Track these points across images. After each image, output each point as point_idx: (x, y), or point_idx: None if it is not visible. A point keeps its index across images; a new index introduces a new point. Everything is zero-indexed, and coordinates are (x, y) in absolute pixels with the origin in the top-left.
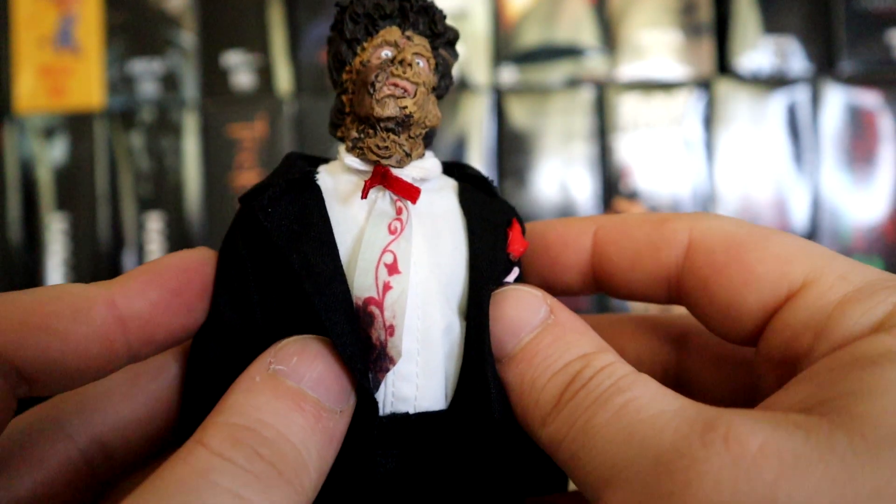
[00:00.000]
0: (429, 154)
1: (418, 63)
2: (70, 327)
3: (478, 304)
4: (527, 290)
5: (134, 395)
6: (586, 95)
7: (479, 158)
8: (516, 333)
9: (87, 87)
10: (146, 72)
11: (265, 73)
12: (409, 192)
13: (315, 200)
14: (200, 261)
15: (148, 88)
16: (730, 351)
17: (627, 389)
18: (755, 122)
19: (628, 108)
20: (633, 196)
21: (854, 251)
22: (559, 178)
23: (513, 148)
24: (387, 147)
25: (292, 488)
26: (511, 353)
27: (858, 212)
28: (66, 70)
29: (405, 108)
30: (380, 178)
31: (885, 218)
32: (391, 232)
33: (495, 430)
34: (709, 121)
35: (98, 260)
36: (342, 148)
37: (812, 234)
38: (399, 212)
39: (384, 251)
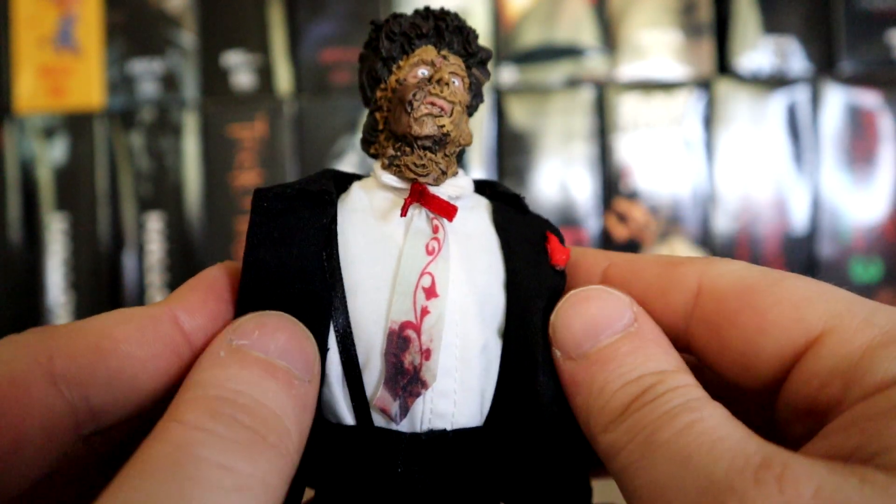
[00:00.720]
0: (461, 172)
1: (454, 82)
2: (140, 348)
3: (521, 319)
4: (615, 292)
5: (135, 356)
6: (586, 95)
7: (479, 158)
8: (596, 334)
9: (87, 87)
10: (146, 72)
11: (265, 73)
12: (446, 210)
13: (318, 215)
14: None
15: (148, 88)
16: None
17: (696, 410)
18: (755, 122)
19: (628, 108)
20: (633, 196)
21: (854, 251)
22: (559, 178)
23: (513, 148)
24: (424, 165)
25: (277, 452)
26: (586, 352)
27: (858, 212)
28: (66, 70)
29: (443, 126)
30: (418, 195)
31: (884, 218)
32: (429, 252)
33: (531, 448)
34: (709, 121)
35: (98, 260)
36: (377, 165)
37: (812, 234)
38: (436, 230)
39: (422, 274)
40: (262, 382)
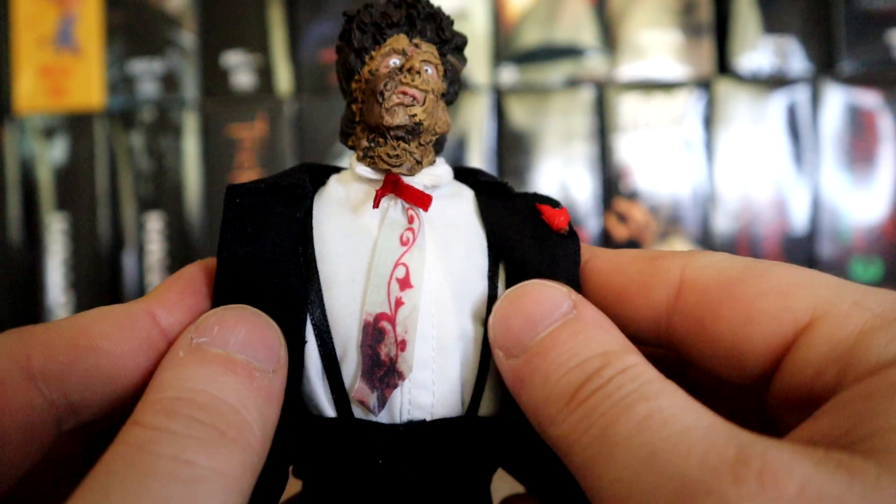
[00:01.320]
0: (440, 160)
1: (427, 70)
2: (118, 345)
3: None
4: (549, 284)
5: (112, 353)
6: (586, 95)
7: (479, 158)
8: (534, 326)
9: (87, 87)
10: (146, 72)
11: (265, 73)
12: (420, 200)
13: (291, 209)
14: None
15: (148, 88)
16: (730, 390)
17: (652, 398)
18: (755, 122)
19: (628, 108)
20: (632, 196)
21: (854, 251)
22: (559, 178)
23: (513, 148)
24: (397, 155)
25: (238, 446)
26: (526, 346)
27: (858, 212)
28: (66, 70)
29: (414, 115)
30: (391, 186)
31: (884, 218)
32: (403, 243)
33: (513, 435)
34: (709, 121)
35: (98, 260)
36: (353, 157)
37: (812, 234)
38: (411, 220)
39: (396, 264)
40: (221, 378)
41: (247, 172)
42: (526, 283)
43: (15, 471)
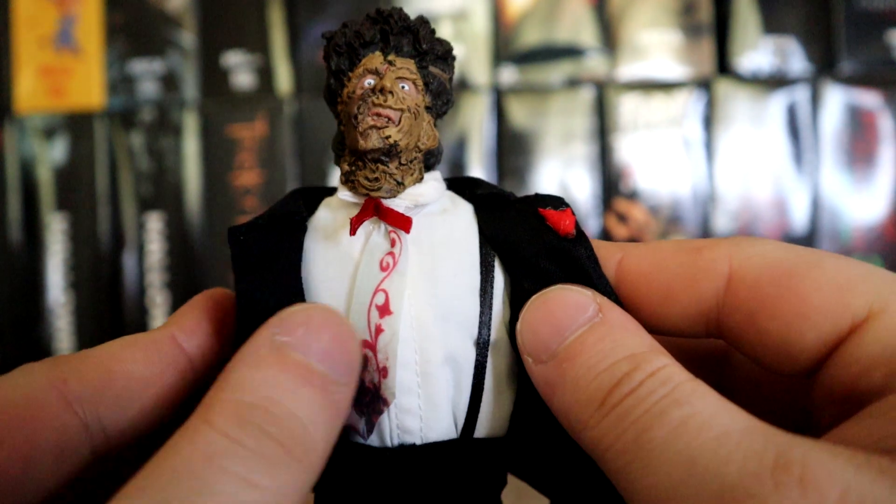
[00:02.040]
0: (430, 176)
1: (402, 87)
2: (147, 367)
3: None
4: (573, 288)
5: (142, 376)
6: (586, 95)
7: (479, 158)
8: (561, 332)
9: (87, 87)
10: (146, 72)
11: (265, 73)
12: (401, 223)
13: (290, 238)
14: None
15: (148, 88)
16: (775, 376)
17: (685, 402)
18: (755, 122)
19: (628, 108)
20: (632, 196)
21: (854, 251)
22: (559, 178)
23: (513, 148)
24: (376, 178)
25: (301, 466)
26: (555, 352)
27: (858, 212)
28: (66, 70)
29: (388, 137)
30: (372, 210)
31: (884, 218)
32: (383, 269)
33: (517, 452)
34: (709, 121)
35: (98, 260)
36: (339, 181)
37: (812, 234)
38: (392, 244)
39: (376, 291)
40: (298, 390)
41: (247, 172)
42: (551, 288)
43: (46, 492)
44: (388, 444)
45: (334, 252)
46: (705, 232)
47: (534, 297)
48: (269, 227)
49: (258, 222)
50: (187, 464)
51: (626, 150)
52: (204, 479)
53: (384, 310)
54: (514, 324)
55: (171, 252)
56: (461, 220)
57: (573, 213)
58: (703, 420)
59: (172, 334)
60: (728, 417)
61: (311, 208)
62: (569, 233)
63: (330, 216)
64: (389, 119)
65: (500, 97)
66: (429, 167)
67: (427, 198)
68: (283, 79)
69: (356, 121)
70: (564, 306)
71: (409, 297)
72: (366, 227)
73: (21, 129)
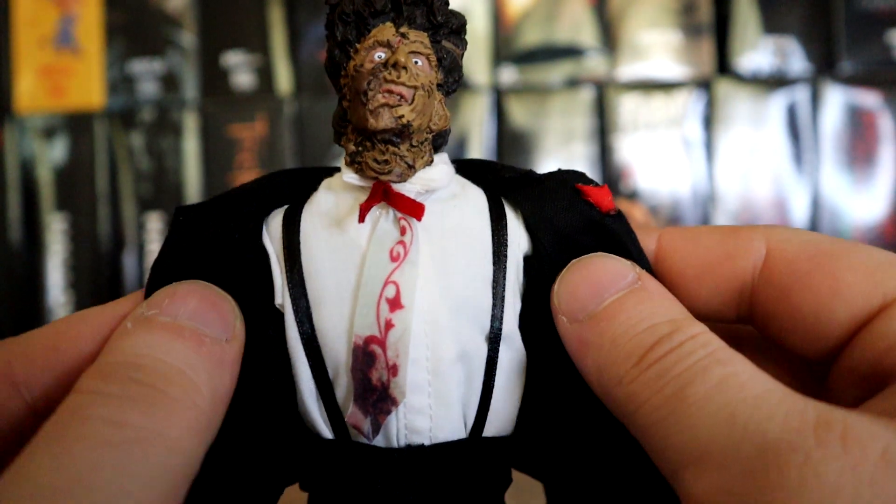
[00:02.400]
0: (439, 159)
1: (416, 63)
2: (97, 345)
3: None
4: (614, 257)
5: (91, 352)
6: (586, 95)
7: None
8: (600, 293)
9: (87, 87)
10: (146, 72)
11: (265, 73)
12: (412, 210)
13: (228, 252)
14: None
15: (148, 88)
16: (791, 357)
17: (727, 363)
18: (755, 123)
19: (628, 108)
20: (633, 196)
21: None
22: None
23: (513, 148)
24: (386, 161)
25: (180, 405)
26: (592, 311)
27: (858, 211)
28: (67, 70)
29: (401, 117)
30: (380, 195)
31: (884, 217)
32: (393, 258)
33: (523, 450)
34: (709, 121)
35: (98, 260)
36: (342, 161)
37: None
38: (403, 231)
39: (386, 283)
40: (167, 343)
41: (247, 172)
42: (591, 255)
43: None
44: (395, 444)
45: (339, 240)
46: None
47: (573, 261)
48: (216, 226)
49: (209, 211)
50: (55, 425)
51: (626, 150)
52: (70, 430)
53: (395, 303)
54: (527, 316)
55: None
56: (472, 206)
57: (609, 191)
58: (744, 380)
59: (125, 311)
60: (768, 381)
61: (307, 189)
62: (611, 209)
63: (332, 200)
64: (402, 97)
65: (500, 97)
66: (436, 148)
67: (438, 182)
68: (283, 79)
69: (366, 98)
70: (605, 271)
71: (421, 290)
72: (373, 213)
73: (21, 129)
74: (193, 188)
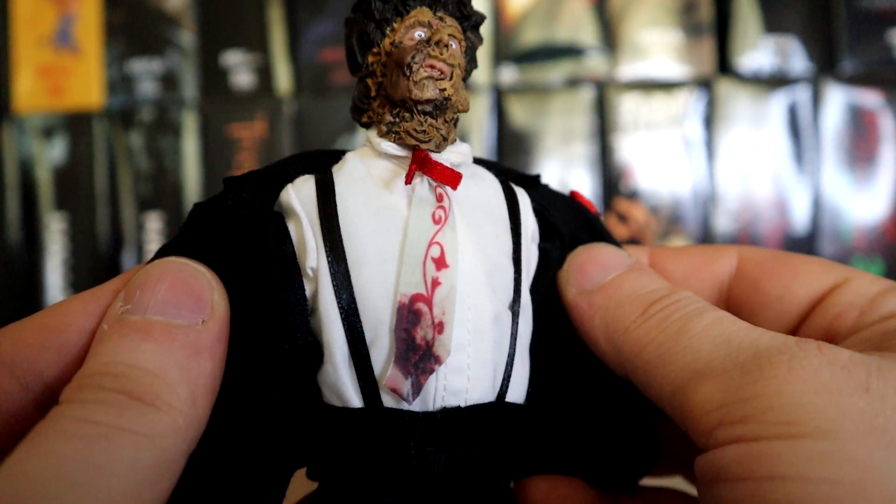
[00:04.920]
0: (459, 140)
1: (452, 45)
2: (87, 321)
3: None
4: (612, 246)
5: (81, 327)
6: (586, 95)
7: None
8: (606, 270)
9: (87, 87)
10: (145, 71)
11: (265, 73)
12: (450, 178)
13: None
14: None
15: (147, 88)
16: None
17: (718, 311)
18: (756, 122)
19: (628, 108)
20: (633, 196)
21: (855, 251)
22: (559, 178)
23: (513, 148)
24: (425, 131)
25: (152, 408)
26: (600, 282)
27: (859, 212)
28: (66, 70)
29: (444, 90)
30: (420, 163)
31: (885, 218)
32: (436, 221)
33: (556, 419)
34: (709, 121)
35: (97, 260)
36: (373, 133)
37: (813, 234)
38: (440, 199)
39: (431, 243)
40: (138, 347)
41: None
42: (595, 243)
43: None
44: (431, 407)
45: (378, 203)
46: (706, 232)
47: (580, 247)
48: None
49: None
50: (35, 431)
51: (627, 149)
52: (46, 431)
53: (441, 263)
54: (538, 289)
55: None
56: (489, 184)
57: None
58: (735, 320)
59: (116, 287)
60: (752, 325)
61: (310, 171)
62: (596, 212)
63: (363, 167)
64: (443, 72)
65: (500, 97)
66: None
67: (467, 157)
68: (283, 78)
69: (409, 70)
70: (608, 255)
71: (462, 253)
72: (411, 180)
73: (20, 129)
74: (193, 188)
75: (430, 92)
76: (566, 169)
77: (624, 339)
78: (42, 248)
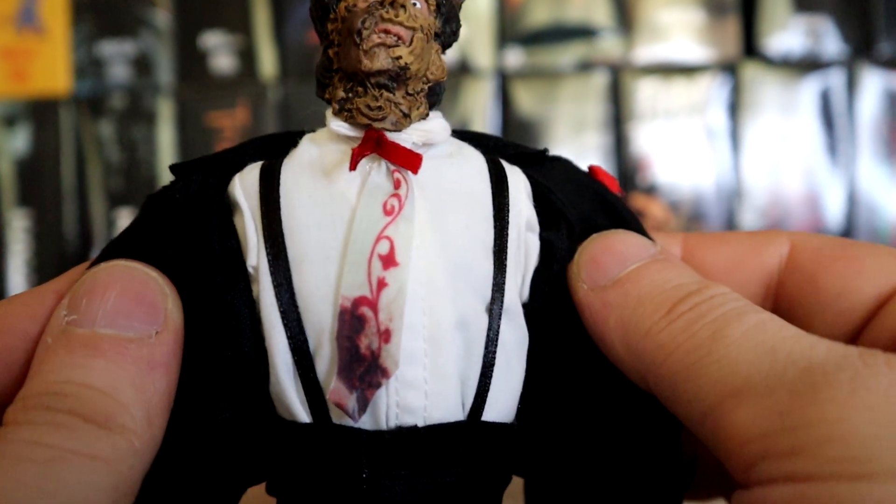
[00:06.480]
0: (434, 114)
1: (414, 4)
2: (29, 324)
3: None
4: (634, 233)
5: (24, 331)
6: (600, 80)
7: None
8: (623, 262)
9: (52, 71)
10: (117, 54)
11: (247, 56)
12: (408, 161)
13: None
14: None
15: (118, 72)
16: None
17: (761, 312)
18: (785, 110)
19: (646, 94)
20: (651, 190)
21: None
22: None
23: (519, 138)
24: (380, 107)
25: (104, 430)
26: (616, 277)
27: None
28: (29, 52)
29: (399, 58)
30: (373, 144)
31: None
32: (387, 212)
33: (564, 441)
34: (734, 108)
35: (64, 260)
36: (329, 112)
37: (847, 231)
38: (397, 185)
39: (378, 238)
40: (87, 364)
41: None
42: (612, 230)
43: None
44: (384, 426)
45: (324, 192)
46: (730, 229)
47: (594, 235)
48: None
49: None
50: None
51: (644, 140)
52: None
53: (389, 260)
54: (540, 287)
55: None
56: (470, 166)
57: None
58: (779, 324)
59: (57, 289)
60: (799, 328)
61: (277, 154)
62: (620, 191)
63: (316, 151)
64: (399, 38)
65: (505, 82)
66: (430, 105)
67: (436, 136)
68: (267, 62)
69: (360, 37)
70: (627, 243)
71: (417, 248)
72: (363, 165)
73: None
74: (168, 182)
75: (381, 61)
76: (577, 161)
77: (644, 344)
78: (3, 248)
